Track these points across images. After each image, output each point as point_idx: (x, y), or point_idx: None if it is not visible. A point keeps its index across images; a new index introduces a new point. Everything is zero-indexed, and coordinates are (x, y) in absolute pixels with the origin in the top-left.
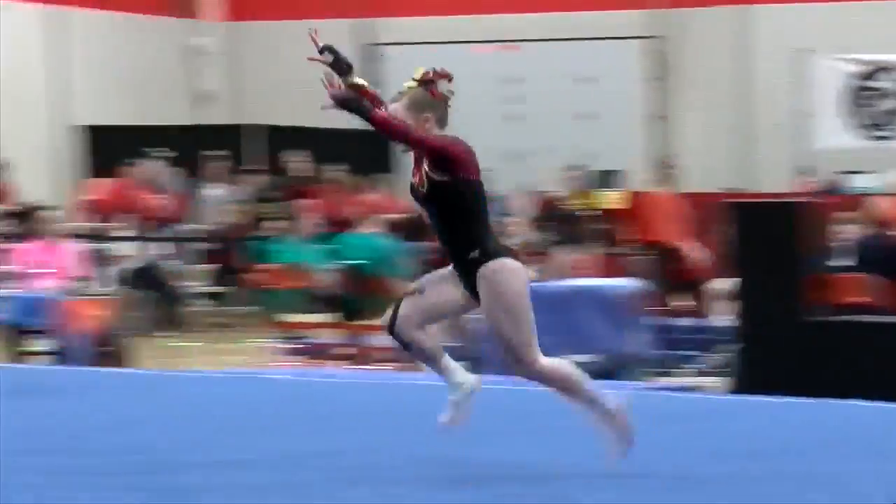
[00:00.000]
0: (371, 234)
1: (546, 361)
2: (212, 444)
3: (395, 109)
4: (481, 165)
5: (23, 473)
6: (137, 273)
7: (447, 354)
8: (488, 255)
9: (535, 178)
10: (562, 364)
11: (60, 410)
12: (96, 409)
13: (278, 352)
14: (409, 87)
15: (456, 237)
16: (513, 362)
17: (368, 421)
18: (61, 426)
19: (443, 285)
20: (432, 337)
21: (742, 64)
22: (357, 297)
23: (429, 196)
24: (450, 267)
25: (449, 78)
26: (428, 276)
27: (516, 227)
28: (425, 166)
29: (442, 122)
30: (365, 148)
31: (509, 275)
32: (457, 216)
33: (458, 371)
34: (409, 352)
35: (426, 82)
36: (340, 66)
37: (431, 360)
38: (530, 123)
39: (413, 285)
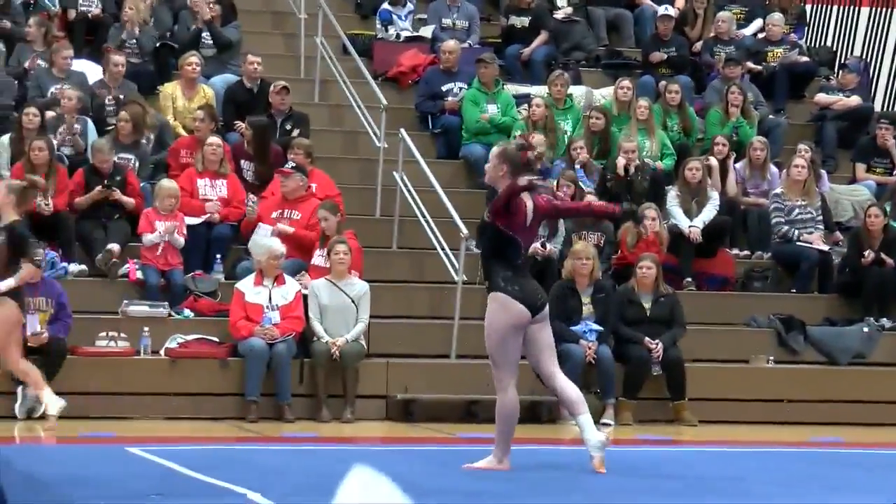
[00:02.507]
0: None
1: (511, 393)
2: None
3: (492, 152)
4: None
5: None
6: None
7: (584, 413)
8: (491, 288)
9: None
10: (515, 408)
11: None
12: None
13: None
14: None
15: (482, 265)
16: (492, 367)
17: None
18: None
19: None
20: (569, 393)
21: None
22: None
23: (477, 231)
24: None
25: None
26: None
27: None
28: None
29: (515, 175)
30: None
31: (495, 308)
32: (485, 251)
33: (590, 430)
34: None
35: (523, 146)
36: None
37: (571, 412)
38: None
39: None
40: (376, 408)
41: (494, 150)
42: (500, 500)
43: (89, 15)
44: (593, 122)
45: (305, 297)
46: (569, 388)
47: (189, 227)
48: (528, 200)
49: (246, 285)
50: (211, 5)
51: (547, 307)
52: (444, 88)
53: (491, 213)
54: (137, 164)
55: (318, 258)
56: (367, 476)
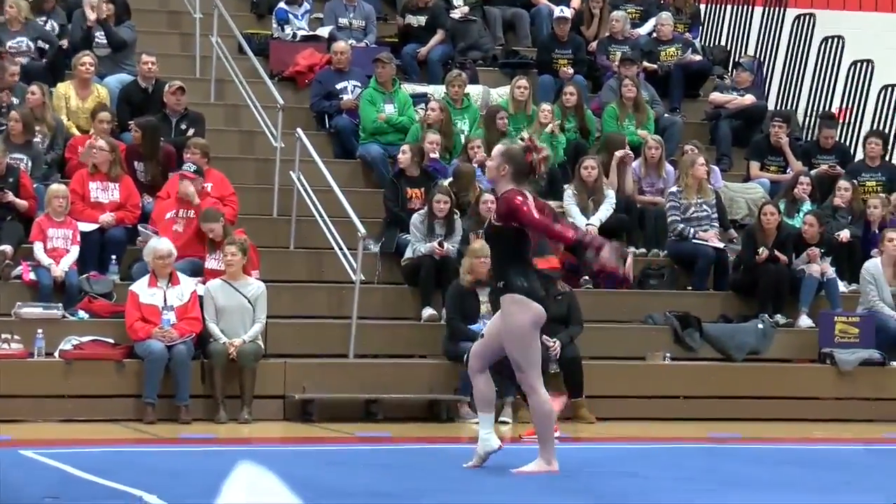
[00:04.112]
0: None
1: (542, 392)
2: None
3: (496, 150)
4: None
5: None
6: None
7: (491, 413)
8: (508, 289)
9: None
10: (550, 405)
11: None
12: None
13: None
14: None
15: (496, 268)
16: (517, 371)
17: None
18: None
19: (493, 327)
20: (489, 389)
21: None
22: None
23: (487, 236)
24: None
25: (545, 157)
26: (490, 322)
27: None
28: (492, 217)
29: (517, 177)
30: None
31: (515, 310)
32: (500, 253)
33: (489, 430)
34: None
35: (527, 148)
36: None
37: (479, 407)
38: None
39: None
40: (274, 408)
41: (499, 147)
42: (402, 499)
43: None
44: (501, 122)
45: (202, 297)
46: (491, 387)
47: (83, 233)
48: (527, 195)
49: (140, 287)
50: (105, 5)
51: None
52: (337, 87)
53: (499, 218)
54: (30, 164)
55: (211, 261)
56: (253, 473)
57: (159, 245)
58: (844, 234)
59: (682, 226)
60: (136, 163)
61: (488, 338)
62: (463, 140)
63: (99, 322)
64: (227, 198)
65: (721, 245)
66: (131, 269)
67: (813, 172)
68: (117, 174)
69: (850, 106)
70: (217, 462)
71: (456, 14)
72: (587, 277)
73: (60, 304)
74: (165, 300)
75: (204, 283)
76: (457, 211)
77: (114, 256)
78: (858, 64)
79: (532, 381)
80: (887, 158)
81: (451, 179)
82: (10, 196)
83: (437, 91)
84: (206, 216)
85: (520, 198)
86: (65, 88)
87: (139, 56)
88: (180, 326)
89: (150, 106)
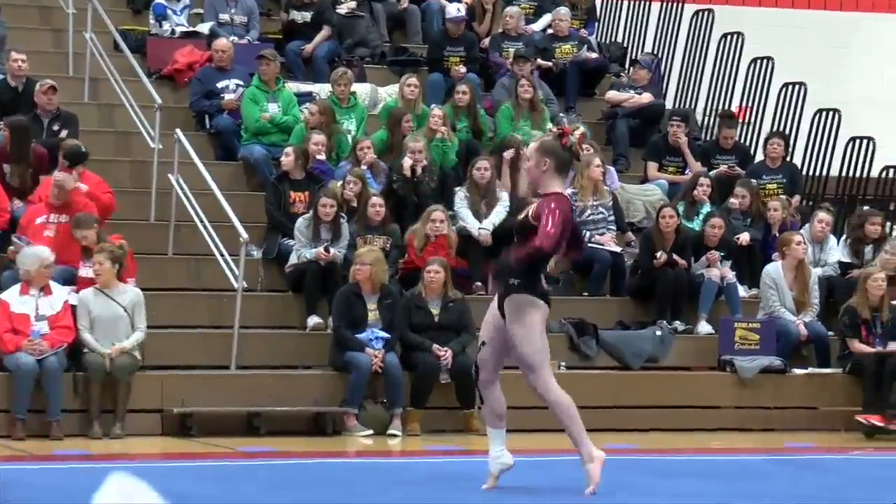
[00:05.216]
0: None
1: (558, 389)
2: None
3: (530, 148)
4: None
5: None
6: None
7: (502, 428)
8: (521, 289)
9: None
10: (570, 401)
11: None
12: None
13: None
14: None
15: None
16: (529, 372)
17: None
18: None
19: (492, 331)
20: (501, 404)
21: None
22: None
23: (518, 229)
24: (490, 309)
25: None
26: (484, 328)
27: None
28: (530, 212)
29: (561, 168)
30: None
31: (529, 309)
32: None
33: (501, 446)
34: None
35: (560, 135)
36: None
37: (490, 423)
38: None
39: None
40: (152, 423)
41: (532, 145)
42: None
43: None
44: (407, 125)
45: (75, 306)
46: (502, 401)
47: None
48: (566, 203)
49: (11, 295)
50: None
51: None
52: (219, 86)
53: (535, 217)
54: None
55: (85, 269)
56: (125, 482)
57: (43, 254)
58: (744, 238)
59: None
60: (4, 165)
61: (493, 343)
62: (350, 140)
63: None
64: (103, 194)
65: (618, 249)
66: (0, 277)
67: (712, 173)
68: None
69: (750, 104)
70: (91, 479)
71: (342, 9)
72: (479, 284)
73: None
74: (37, 309)
75: (77, 291)
76: (343, 215)
77: None
78: (758, 61)
79: (545, 380)
80: (788, 159)
81: (340, 181)
82: None
83: (322, 90)
84: (79, 222)
85: (553, 205)
86: None
87: (8, 53)
88: (51, 336)
89: (20, 105)
